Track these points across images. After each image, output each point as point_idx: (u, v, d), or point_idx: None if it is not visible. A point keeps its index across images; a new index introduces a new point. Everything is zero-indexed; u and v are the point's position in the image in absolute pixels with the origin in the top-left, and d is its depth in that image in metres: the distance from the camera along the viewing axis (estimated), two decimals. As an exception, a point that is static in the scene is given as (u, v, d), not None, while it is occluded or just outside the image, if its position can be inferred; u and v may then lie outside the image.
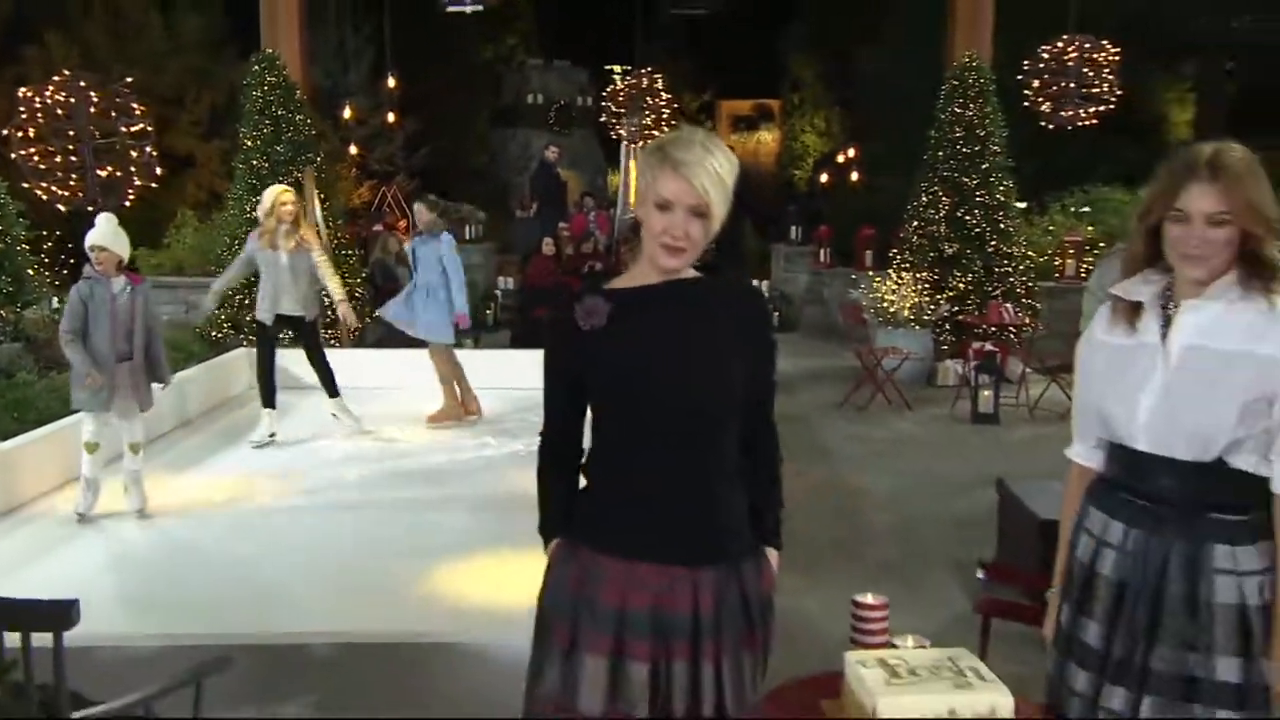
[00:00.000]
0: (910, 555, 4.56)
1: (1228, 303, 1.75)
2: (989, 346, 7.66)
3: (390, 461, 5.48)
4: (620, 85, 12.71)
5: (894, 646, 2.00)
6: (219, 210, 9.60)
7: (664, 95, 12.45)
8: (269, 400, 5.73)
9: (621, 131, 12.66)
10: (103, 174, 7.50)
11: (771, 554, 1.82)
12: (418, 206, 6.21)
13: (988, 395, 7.15)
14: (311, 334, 5.83)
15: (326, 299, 5.94)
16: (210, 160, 13.19)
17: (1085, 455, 1.98)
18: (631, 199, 12.39)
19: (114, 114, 7.61)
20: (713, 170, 1.64)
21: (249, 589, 3.71)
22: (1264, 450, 1.74)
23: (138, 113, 7.74)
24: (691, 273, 1.75)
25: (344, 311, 5.96)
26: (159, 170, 8.00)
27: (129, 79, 8.23)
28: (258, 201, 5.85)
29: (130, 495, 4.41)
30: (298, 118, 8.48)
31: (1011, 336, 8.25)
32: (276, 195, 5.55)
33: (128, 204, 7.73)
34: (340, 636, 2.94)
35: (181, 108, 13.29)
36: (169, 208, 10.97)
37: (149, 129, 7.81)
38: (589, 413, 1.79)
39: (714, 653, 1.68)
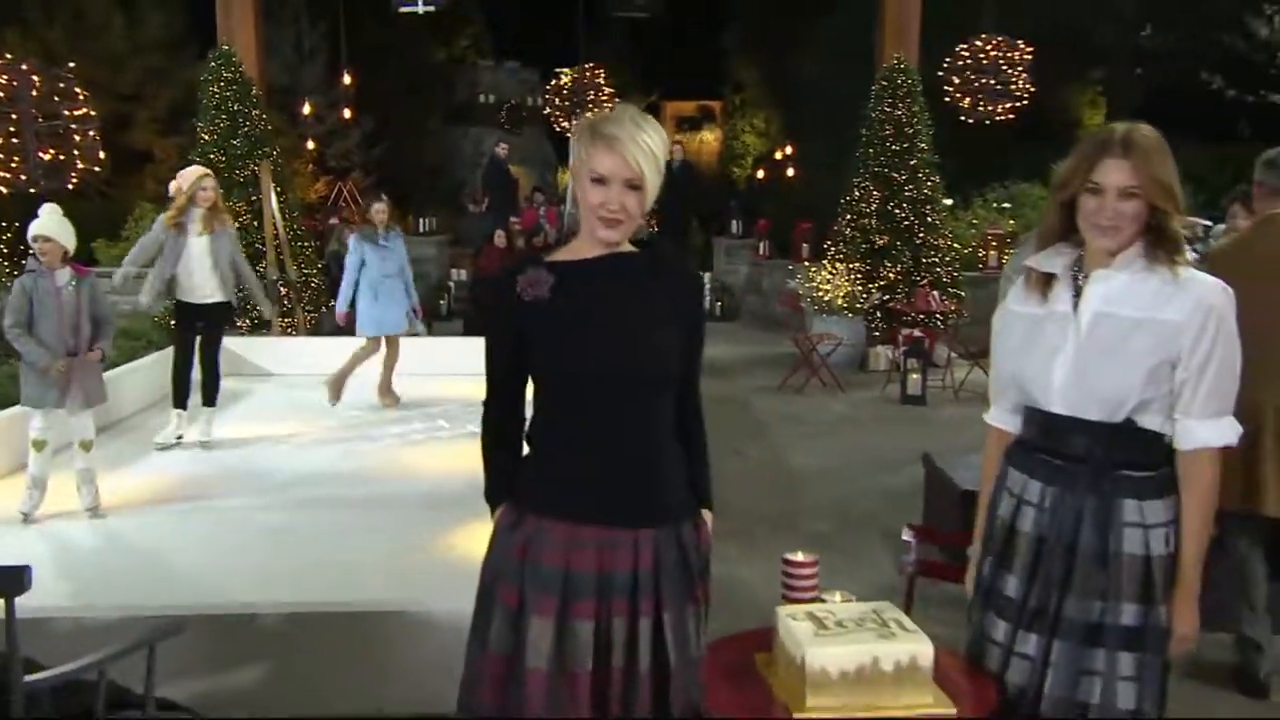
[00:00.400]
0: (843, 526, 4.73)
1: (1133, 273, 1.84)
2: (917, 333, 7.86)
3: (345, 445, 5.54)
4: (564, 81, 12.78)
5: (823, 601, 2.05)
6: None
7: (606, 91, 12.56)
8: (180, 400, 5.38)
9: (566, 125, 12.74)
10: (46, 157, 7.32)
11: (706, 515, 1.89)
12: (379, 206, 6.23)
13: (916, 378, 7.39)
14: (220, 324, 5.46)
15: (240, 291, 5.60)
16: (169, 155, 13.07)
17: (1002, 420, 2.08)
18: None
19: (57, 98, 7.42)
20: (644, 144, 1.69)
21: (203, 574, 3.71)
22: (1169, 411, 1.85)
23: (81, 97, 7.57)
24: (630, 247, 1.80)
25: (266, 310, 5.95)
26: (102, 154, 7.83)
27: (71, 64, 8.04)
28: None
29: (82, 494, 4.24)
30: (254, 113, 8.41)
31: (938, 323, 8.48)
32: (197, 177, 5.22)
33: (71, 186, 7.55)
34: (296, 606, 2.98)
35: (141, 104, 13.21)
36: (128, 202, 10.90)
37: (92, 113, 7.63)
38: (530, 382, 1.82)
39: (652, 609, 1.74)
